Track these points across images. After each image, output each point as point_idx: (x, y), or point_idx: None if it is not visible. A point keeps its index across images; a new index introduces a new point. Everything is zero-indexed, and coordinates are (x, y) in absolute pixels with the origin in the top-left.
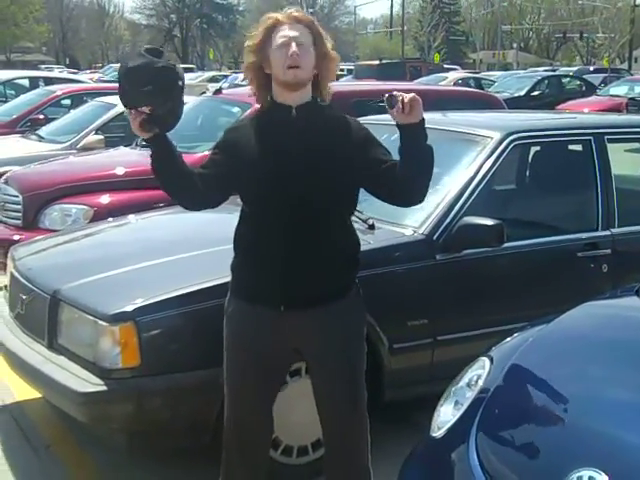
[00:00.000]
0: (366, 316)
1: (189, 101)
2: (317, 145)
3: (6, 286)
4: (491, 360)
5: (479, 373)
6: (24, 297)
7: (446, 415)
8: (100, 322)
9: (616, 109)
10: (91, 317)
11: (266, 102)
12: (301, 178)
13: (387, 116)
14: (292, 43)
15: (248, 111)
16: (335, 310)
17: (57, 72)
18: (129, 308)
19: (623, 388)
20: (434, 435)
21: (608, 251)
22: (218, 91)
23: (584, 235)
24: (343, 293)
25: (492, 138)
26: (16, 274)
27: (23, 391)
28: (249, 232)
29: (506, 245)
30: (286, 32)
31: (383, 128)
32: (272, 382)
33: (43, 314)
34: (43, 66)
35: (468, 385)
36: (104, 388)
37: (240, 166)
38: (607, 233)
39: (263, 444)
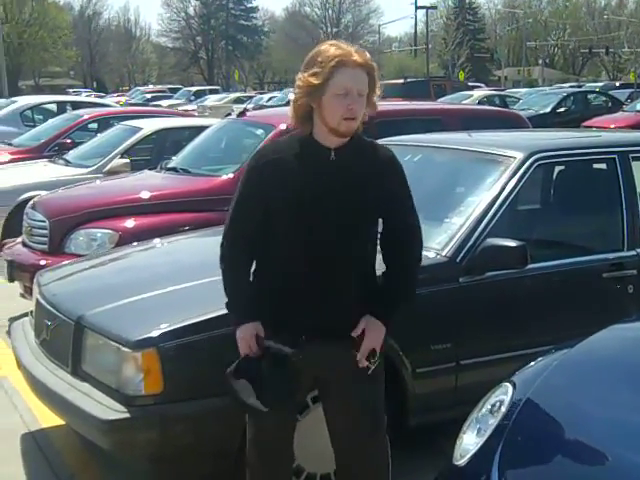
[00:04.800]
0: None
1: (214, 123)
2: (351, 190)
3: (32, 312)
4: (514, 385)
5: (502, 399)
6: (49, 323)
7: (469, 442)
8: (123, 348)
9: None
10: (114, 343)
11: (309, 131)
12: (331, 219)
13: (411, 137)
14: (354, 95)
15: (270, 135)
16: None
17: (84, 96)
18: (152, 334)
19: None
20: (457, 463)
21: (634, 272)
22: (242, 113)
23: (610, 255)
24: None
25: (515, 158)
26: (41, 300)
27: (48, 418)
28: (271, 266)
29: (530, 266)
30: (348, 79)
31: (406, 149)
32: (292, 409)
33: (67, 340)
34: (71, 90)
35: (491, 411)
36: (127, 415)
37: (272, 204)
38: (633, 253)
39: (286, 469)
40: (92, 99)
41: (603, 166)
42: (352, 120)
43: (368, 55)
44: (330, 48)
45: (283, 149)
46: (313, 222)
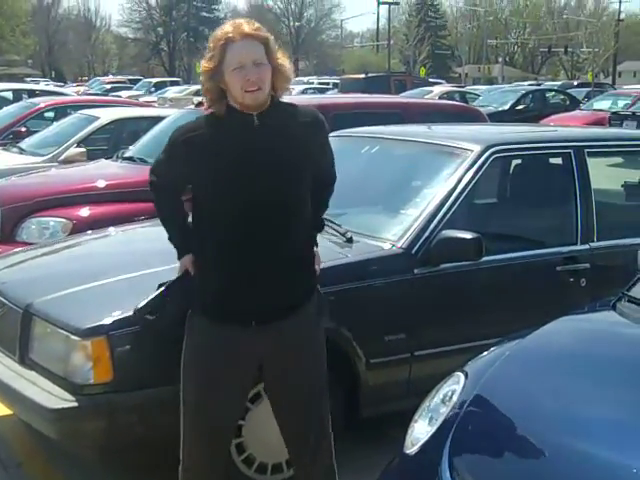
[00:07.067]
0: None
1: (172, 113)
2: (280, 153)
3: None
4: (466, 375)
5: (454, 388)
6: None
7: (420, 431)
8: (72, 336)
9: (599, 123)
10: (63, 331)
11: (223, 110)
12: (265, 186)
13: (369, 129)
14: (249, 65)
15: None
16: (303, 316)
17: (43, 85)
18: (102, 322)
19: (599, 404)
20: (408, 452)
21: (587, 265)
22: (200, 103)
23: (563, 249)
24: (309, 297)
25: (472, 151)
26: None
27: None
28: (209, 246)
29: (485, 259)
30: (240, 52)
31: (364, 141)
32: (238, 396)
33: (15, 328)
34: (29, 79)
35: (442, 401)
36: (75, 404)
37: (201, 177)
38: (586, 247)
39: (223, 456)
40: (49, 88)
41: (559, 160)
42: (256, 91)
43: (257, 25)
44: (223, 28)
45: (206, 123)
46: (245, 188)
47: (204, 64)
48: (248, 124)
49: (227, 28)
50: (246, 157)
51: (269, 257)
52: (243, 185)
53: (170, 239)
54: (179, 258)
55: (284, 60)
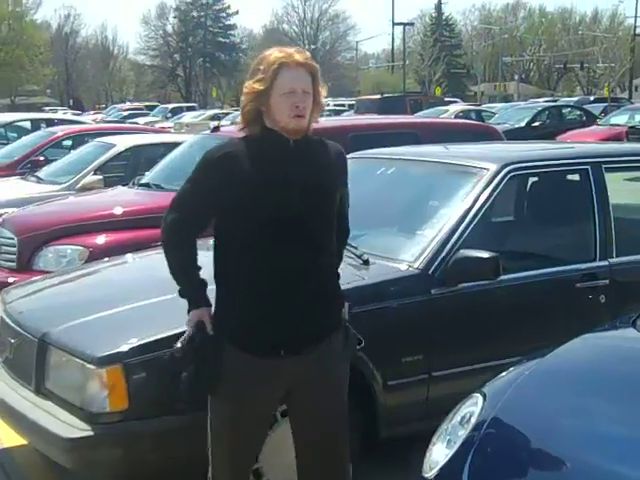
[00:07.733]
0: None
1: (187, 139)
2: (314, 179)
3: None
4: (484, 396)
5: (472, 410)
6: (12, 341)
7: (438, 454)
8: (87, 365)
9: (617, 138)
10: (79, 360)
11: (257, 131)
12: (297, 206)
13: (384, 150)
14: (299, 93)
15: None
16: (332, 344)
17: (60, 114)
18: (117, 350)
19: (621, 423)
20: (426, 475)
21: (606, 281)
22: (216, 129)
23: (582, 266)
24: (337, 326)
25: (488, 169)
26: (5, 318)
27: (10, 437)
28: (241, 274)
29: (503, 278)
30: (292, 79)
31: (380, 162)
32: (265, 424)
33: (31, 358)
34: (47, 108)
35: (460, 423)
36: (90, 433)
37: (234, 194)
38: (605, 263)
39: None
40: (67, 116)
41: (576, 177)
42: (301, 117)
43: (308, 54)
44: (272, 53)
45: (241, 142)
46: (277, 208)
47: (253, 85)
48: (284, 145)
49: (278, 54)
50: (280, 176)
51: (299, 285)
52: (275, 203)
53: (181, 291)
54: (190, 310)
55: (323, 91)
